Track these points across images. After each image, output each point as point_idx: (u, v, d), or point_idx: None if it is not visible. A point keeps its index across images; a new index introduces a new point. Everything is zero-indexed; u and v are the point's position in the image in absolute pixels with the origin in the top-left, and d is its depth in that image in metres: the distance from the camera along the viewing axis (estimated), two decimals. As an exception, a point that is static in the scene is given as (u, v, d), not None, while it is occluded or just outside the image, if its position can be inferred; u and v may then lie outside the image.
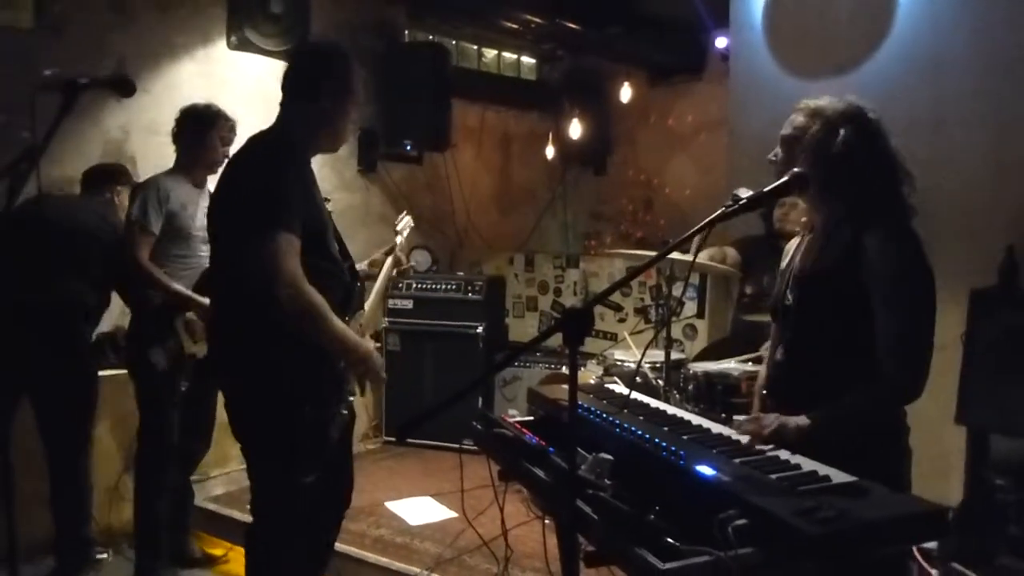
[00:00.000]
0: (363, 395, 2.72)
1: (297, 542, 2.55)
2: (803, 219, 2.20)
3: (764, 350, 3.62)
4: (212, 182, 3.17)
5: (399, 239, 3.24)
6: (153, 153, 4.16)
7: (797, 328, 2.07)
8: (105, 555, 3.64)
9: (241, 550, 3.79)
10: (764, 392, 2.21)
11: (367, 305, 2.89)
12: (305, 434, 2.43)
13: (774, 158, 2.10)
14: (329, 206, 2.69)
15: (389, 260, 3.10)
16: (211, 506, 4.09)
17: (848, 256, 1.94)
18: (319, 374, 2.42)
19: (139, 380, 3.45)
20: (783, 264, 2.25)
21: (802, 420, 1.85)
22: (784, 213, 3.81)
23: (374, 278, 3.07)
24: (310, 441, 2.45)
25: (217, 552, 3.80)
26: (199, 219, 3.47)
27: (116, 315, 3.93)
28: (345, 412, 2.59)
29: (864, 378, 1.89)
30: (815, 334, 2.01)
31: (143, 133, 4.33)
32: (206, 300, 3.33)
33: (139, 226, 3.37)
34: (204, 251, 3.43)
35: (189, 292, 3.39)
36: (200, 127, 3.53)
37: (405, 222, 3.36)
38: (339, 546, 3.07)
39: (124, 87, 2.32)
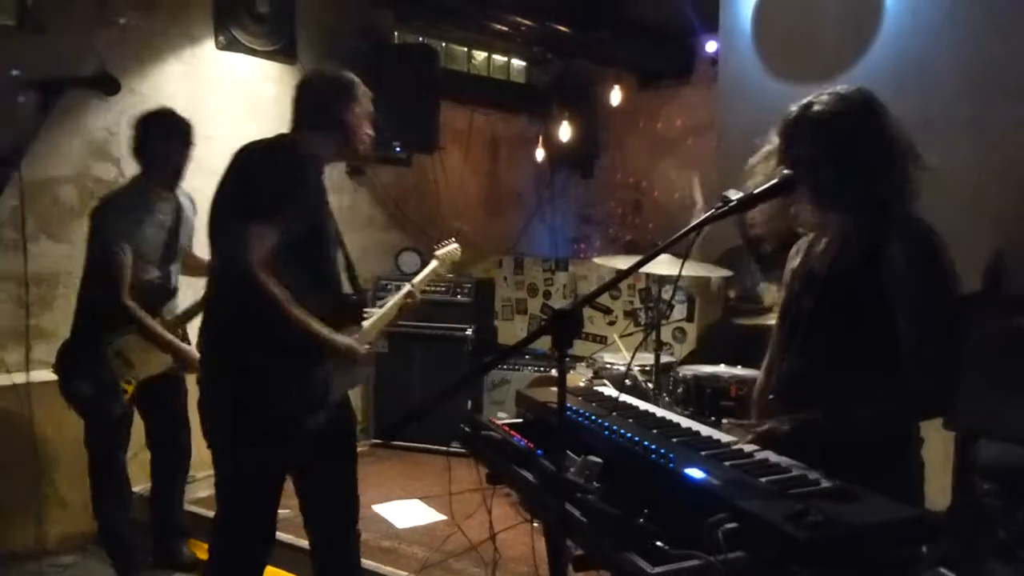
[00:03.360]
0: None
1: (246, 540, 2.59)
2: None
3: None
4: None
5: (433, 263, 3.16)
6: (138, 154, 4.13)
7: (815, 331, 1.97)
8: None
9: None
10: (770, 396, 2.11)
11: (368, 323, 2.79)
12: (250, 431, 2.45)
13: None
14: None
15: (403, 289, 3.02)
16: (195, 509, 4.04)
17: (870, 257, 1.87)
18: (267, 371, 2.41)
19: (78, 410, 3.30)
20: (793, 264, 2.15)
21: (813, 414, 1.84)
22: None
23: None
24: (259, 439, 2.45)
25: (203, 555, 3.76)
26: (184, 230, 3.46)
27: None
28: (312, 416, 2.50)
29: (885, 383, 1.84)
30: (835, 337, 1.93)
31: (128, 134, 4.29)
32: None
33: (119, 257, 3.19)
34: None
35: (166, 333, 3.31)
36: (165, 135, 3.37)
37: (447, 251, 3.21)
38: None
39: (108, 86, 2.29)
